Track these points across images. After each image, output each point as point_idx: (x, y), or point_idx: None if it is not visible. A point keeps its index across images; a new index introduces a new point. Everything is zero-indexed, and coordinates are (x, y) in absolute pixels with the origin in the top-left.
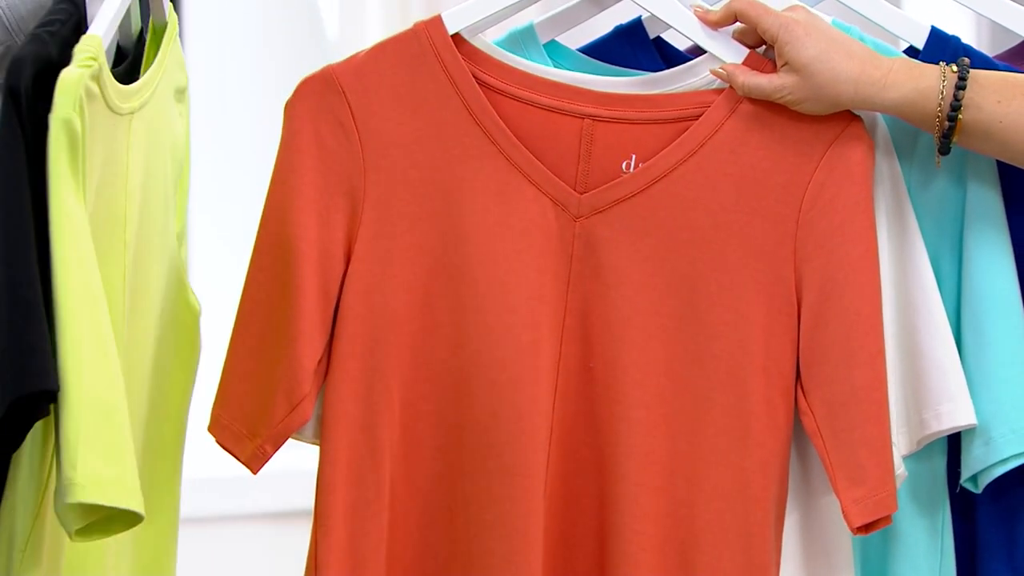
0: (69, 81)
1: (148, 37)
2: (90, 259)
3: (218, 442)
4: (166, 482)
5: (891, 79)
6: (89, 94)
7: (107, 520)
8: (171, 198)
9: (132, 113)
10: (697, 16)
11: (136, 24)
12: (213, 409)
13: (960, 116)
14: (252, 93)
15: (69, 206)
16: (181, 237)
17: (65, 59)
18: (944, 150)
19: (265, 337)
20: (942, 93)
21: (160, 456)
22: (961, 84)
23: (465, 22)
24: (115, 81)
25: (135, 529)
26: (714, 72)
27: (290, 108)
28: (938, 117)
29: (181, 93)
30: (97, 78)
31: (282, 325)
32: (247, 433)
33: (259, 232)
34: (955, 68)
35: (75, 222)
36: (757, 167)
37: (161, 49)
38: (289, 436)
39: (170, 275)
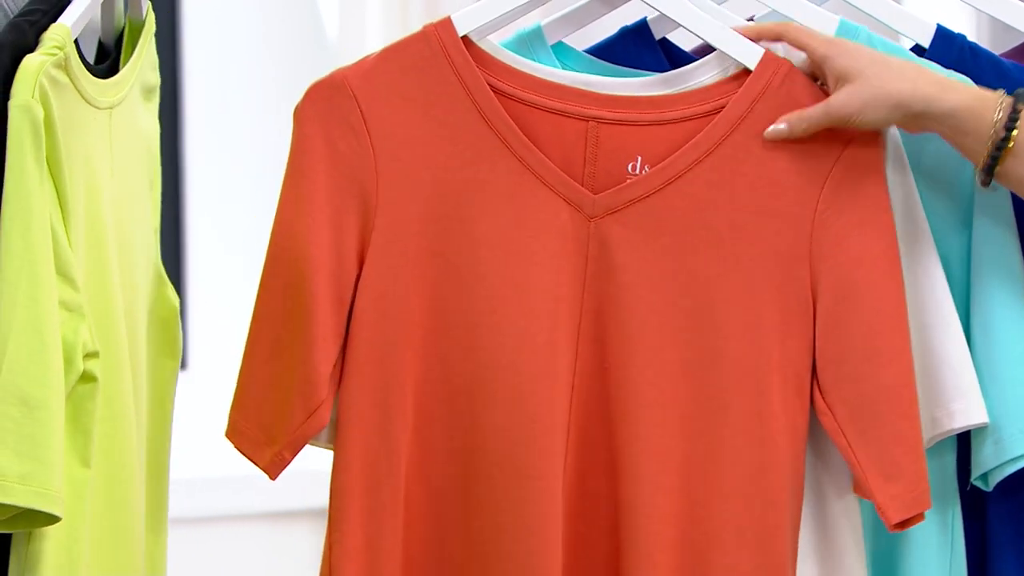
0: (29, 68)
1: (126, 35)
2: (40, 249)
3: (236, 448)
4: (156, 478)
5: (949, 83)
6: (55, 83)
7: (29, 514)
8: (147, 195)
9: (111, 108)
10: (736, 31)
11: (120, 22)
12: (230, 415)
13: (1015, 130)
14: (252, 93)
15: (24, 193)
16: (155, 234)
17: None
18: (989, 171)
19: (281, 343)
20: (1000, 104)
21: (150, 453)
22: (1019, 106)
23: (475, 24)
24: (89, 73)
25: (113, 523)
26: (772, 133)
27: (300, 112)
28: (994, 127)
29: (151, 92)
30: (64, 67)
31: (297, 331)
32: (265, 439)
33: (271, 237)
34: (1008, 94)
35: (28, 209)
36: (773, 167)
37: (137, 47)
38: (307, 442)
39: (148, 271)
